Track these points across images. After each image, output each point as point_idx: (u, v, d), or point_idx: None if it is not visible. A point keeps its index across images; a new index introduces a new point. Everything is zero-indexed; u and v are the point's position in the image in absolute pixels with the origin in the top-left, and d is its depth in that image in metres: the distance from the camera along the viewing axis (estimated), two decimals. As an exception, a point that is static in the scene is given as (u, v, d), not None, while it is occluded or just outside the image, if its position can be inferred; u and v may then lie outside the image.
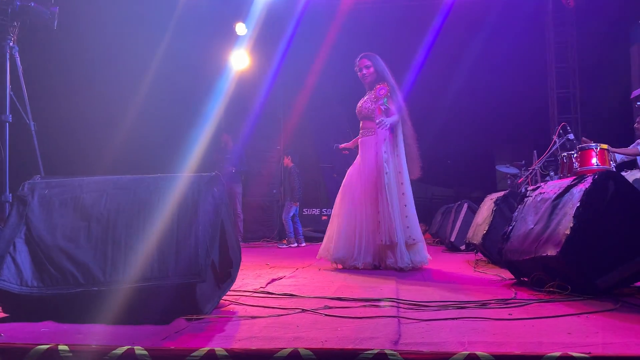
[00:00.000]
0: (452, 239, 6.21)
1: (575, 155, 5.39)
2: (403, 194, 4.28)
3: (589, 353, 1.47)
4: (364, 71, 4.54)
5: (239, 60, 9.31)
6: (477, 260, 4.70)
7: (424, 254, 4.29)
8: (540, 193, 3.22)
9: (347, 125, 8.28)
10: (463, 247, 6.00)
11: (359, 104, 4.57)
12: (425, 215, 11.08)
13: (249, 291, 2.92)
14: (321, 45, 9.11)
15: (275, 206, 9.64)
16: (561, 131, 6.09)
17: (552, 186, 3.12)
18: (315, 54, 9.28)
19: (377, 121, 4.27)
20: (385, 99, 4.32)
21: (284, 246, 7.73)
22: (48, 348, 1.66)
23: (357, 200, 4.35)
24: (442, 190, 13.48)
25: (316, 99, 9.54)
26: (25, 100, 3.48)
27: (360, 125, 4.59)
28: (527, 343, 1.68)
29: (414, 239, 4.22)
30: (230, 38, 9.34)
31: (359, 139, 4.58)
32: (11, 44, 3.52)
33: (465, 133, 11.41)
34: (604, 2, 8.95)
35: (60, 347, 1.66)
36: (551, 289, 2.66)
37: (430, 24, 9.08)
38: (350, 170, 4.56)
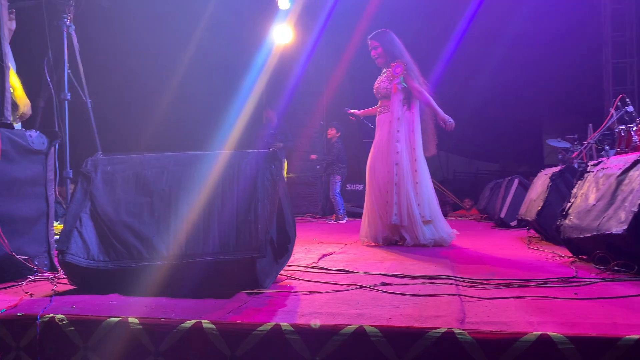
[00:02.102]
0: (502, 215, 6.08)
1: (635, 128, 5.14)
2: (416, 171, 4.21)
3: (671, 336, 1.41)
4: (373, 53, 4.51)
5: (282, 34, 9.23)
6: (529, 237, 4.60)
7: (445, 230, 4.20)
8: (603, 168, 3.09)
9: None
10: (514, 224, 5.87)
11: (376, 84, 4.50)
12: (471, 190, 10.92)
13: (303, 266, 2.94)
14: (360, 18, 8.94)
15: (318, 182, 9.65)
16: (619, 103, 5.81)
17: (617, 161, 3.00)
18: (356, 26, 9.12)
19: (447, 122, 4.25)
20: (402, 78, 4.28)
21: (332, 222, 7.67)
22: (119, 320, 1.71)
23: (377, 178, 4.33)
24: (487, 165, 13.22)
25: (357, 73, 9.41)
26: (82, 78, 3.55)
27: (379, 103, 4.53)
28: (600, 324, 1.62)
29: (429, 217, 4.15)
30: (272, 11, 9.27)
31: (377, 117, 4.54)
32: (68, 22, 3.58)
33: (511, 106, 11.08)
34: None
35: (131, 319, 1.71)
36: (615, 268, 2.57)
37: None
38: (371, 148, 4.52)
